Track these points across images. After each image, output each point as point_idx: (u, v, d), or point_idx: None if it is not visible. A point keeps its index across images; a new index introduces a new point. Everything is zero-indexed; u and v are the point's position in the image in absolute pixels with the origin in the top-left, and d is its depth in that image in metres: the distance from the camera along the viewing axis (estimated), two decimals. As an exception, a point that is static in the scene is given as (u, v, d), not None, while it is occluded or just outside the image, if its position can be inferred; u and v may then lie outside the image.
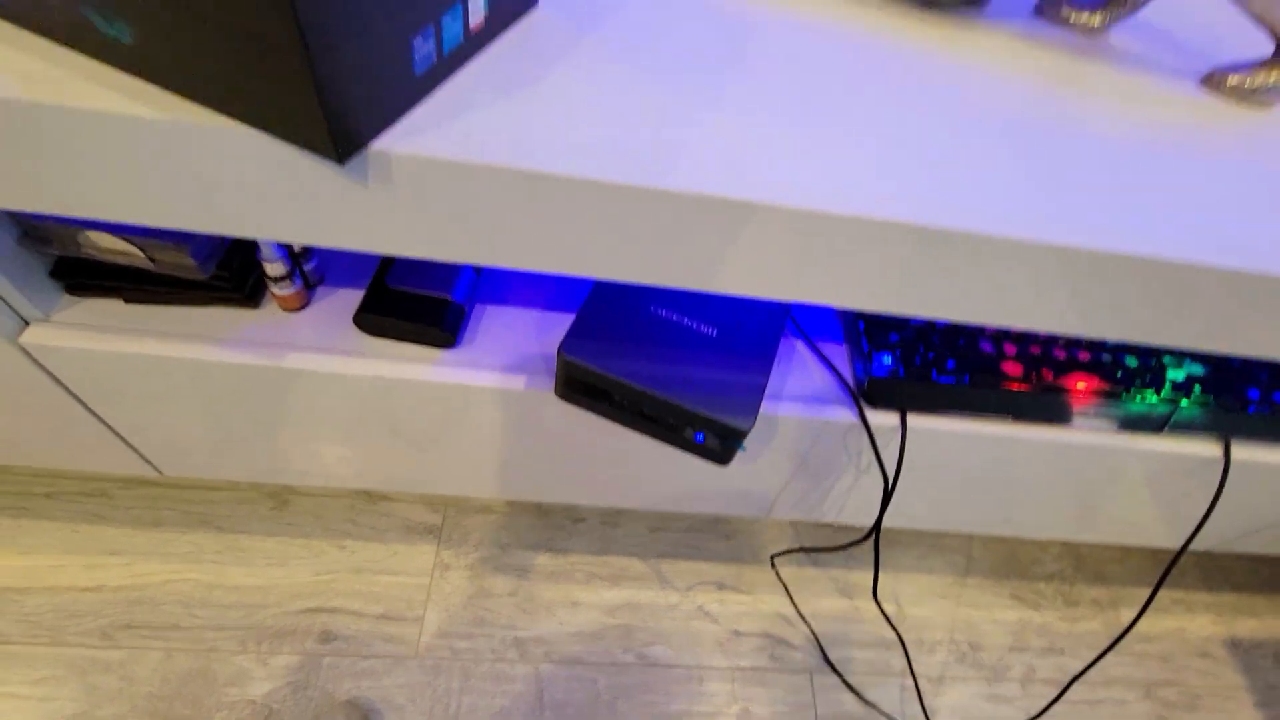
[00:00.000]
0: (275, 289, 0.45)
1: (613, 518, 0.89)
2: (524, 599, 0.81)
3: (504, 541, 0.85)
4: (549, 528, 0.87)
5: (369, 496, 0.85)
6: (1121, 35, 0.52)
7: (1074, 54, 0.48)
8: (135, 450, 0.57)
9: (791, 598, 0.83)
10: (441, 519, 0.85)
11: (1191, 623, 0.94)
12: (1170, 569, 0.55)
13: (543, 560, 0.84)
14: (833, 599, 0.87)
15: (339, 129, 0.27)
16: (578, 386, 0.45)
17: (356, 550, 0.81)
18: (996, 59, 0.45)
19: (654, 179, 0.31)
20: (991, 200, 0.35)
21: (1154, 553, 1.00)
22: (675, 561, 0.87)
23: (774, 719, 0.78)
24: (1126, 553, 0.99)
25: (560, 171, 0.31)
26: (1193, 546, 0.77)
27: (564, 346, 0.43)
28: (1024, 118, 0.41)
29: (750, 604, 0.85)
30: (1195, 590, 0.97)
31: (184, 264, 0.42)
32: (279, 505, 0.82)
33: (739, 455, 0.52)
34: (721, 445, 0.44)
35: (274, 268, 0.44)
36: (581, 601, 0.82)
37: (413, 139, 0.30)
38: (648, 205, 0.32)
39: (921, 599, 0.90)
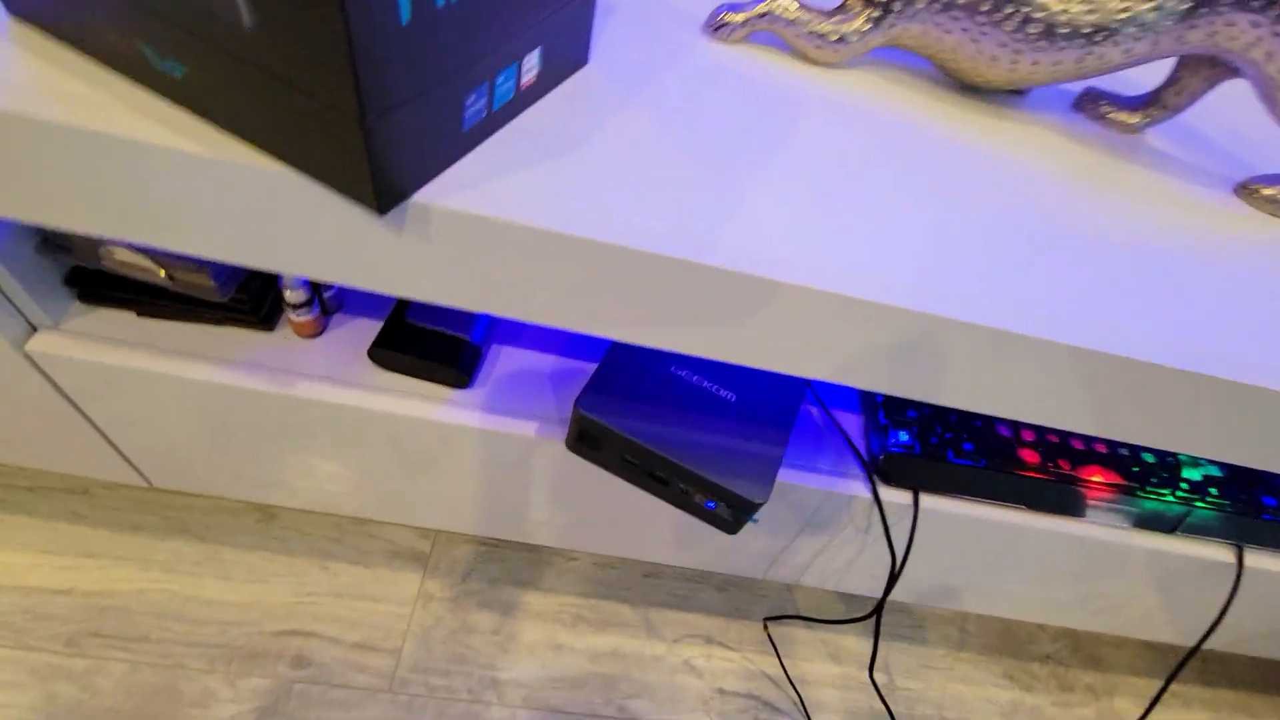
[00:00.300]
0: (293, 315, 0.44)
1: (605, 559, 0.87)
2: (507, 638, 0.79)
3: (492, 575, 0.83)
4: (540, 564, 0.85)
5: (356, 518, 0.83)
6: (1159, 137, 0.52)
7: (1109, 152, 0.48)
8: (127, 460, 0.55)
9: (780, 660, 0.81)
10: (430, 546, 0.83)
11: (1188, 717, 0.92)
12: (1177, 671, 0.54)
13: (530, 598, 0.82)
14: (823, 664, 0.85)
15: (383, 183, 0.27)
16: (590, 441, 0.44)
17: (339, 572, 0.79)
18: (1032, 151, 0.45)
19: (683, 251, 0.31)
20: (1012, 295, 0.35)
21: (1151, 641, 0.98)
22: (665, 611, 0.85)
23: (753, 787, 0.75)
24: (1124, 640, 0.97)
25: (591, 236, 0.30)
26: (1189, 641, 0.75)
27: (580, 401, 0.42)
28: (1053, 213, 0.40)
29: (738, 662, 0.83)
30: (1192, 684, 0.95)
31: (204, 285, 0.41)
32: (264, 518, 0.80)
33: (748, 526, 0.51)
34: (733, 515, 0.43)
35: (294, 295, 0.43)
36: (566, 645, 0.80)
37: (453, 194, 0.30)
38: (675, 275, 0.31)
39: (913, 671, 0.88)
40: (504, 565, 0.84)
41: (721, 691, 0.80)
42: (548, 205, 0.30)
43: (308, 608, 0.76)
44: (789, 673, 0.82)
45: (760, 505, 0.41)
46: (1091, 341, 0.34)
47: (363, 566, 0.80)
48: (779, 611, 0.88)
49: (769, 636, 0.80)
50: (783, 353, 0.35)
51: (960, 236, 0.37)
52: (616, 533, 0.60)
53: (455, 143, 0.30)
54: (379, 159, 0.25)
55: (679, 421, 0.43)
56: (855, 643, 0.87)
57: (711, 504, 0.43)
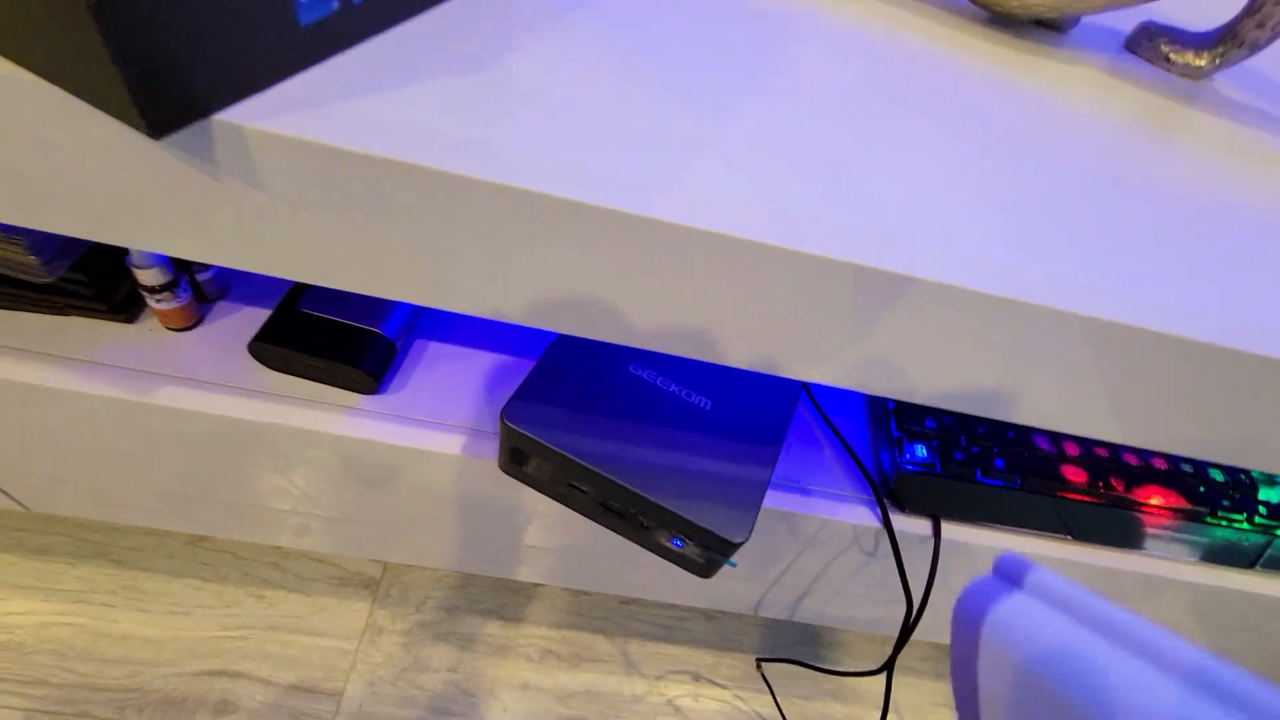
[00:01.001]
0: (153, 302, 0.35)
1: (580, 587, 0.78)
2: (465, 676, 0.69)
3: (451, 604, 0.73)
4: (505, 590, 0.75)
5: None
6: (1230, 83, 0.43)
7: (1169, 97, 0.39)
8: (-11, 480, 0.46)
9: (776, 701, 0.72)
10: (381, 571, 0.74)
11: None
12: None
13: (492, 630, 0.73)
14: (824, 703, 0.75)
15: (150, 88, 0.18)
16: (524, 461, 0.34)
17: (276, 602, 0.69)
18: (1077, 96, 0.36)
19: (621, 201, 0.22)
20: (1052, 265, 0.25)
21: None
22: (646, 643, 0.76)
23: None
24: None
25: (497, 179, 0.21)
26: None
27: (507, 411, 0.33)
28: (1110, 168, 0.31)
29: (729, 702, 0.73)
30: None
31: (21, 261, 0.32)
32: (194, 540, 0.71)
33: (725, 569, 0.42)
34: (704, 557, 0.33)
35: (147, 275, 0.34)
36: (532, 684, 0.70)
37: (287, 115, 0.21)
38: (609, 233, 0.22)
39: (924, 710, 0.78)
40: (463, 592, 0.74)
41: (710, 736, 0.71)
42: (436, 135, 0.21)
43: (237, 644, 0.66)
44: (785, 714, 0.72)
45: (739, 545, 0.32)
46: (1143, 319, 0.24)
47: (303, 595, 0.71)
48: (775, 642, 0.78)
49: (763, 676, 0.71)
50: (764, 346, 0.26)
51: (986, 194, 0.27)
52: (576, 568, 0.51)
53: (288, 44, 0.21)
54: (131, 49, 0.16)
55: (637, 436, 0.33)
56: (859, 682, 0.78)
57: (679, 542, 0.34)
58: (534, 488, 0.36)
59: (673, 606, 0.79)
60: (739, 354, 0.27)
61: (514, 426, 0.32)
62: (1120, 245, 0.27)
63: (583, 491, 0.34)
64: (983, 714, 0.15)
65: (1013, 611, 0.15)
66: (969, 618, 0.15)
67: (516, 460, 0.35)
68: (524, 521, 0.44)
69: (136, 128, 0.19)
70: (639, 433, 0.34)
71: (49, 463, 0.42)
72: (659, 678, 0.74)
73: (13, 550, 0.67)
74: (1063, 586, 0.15)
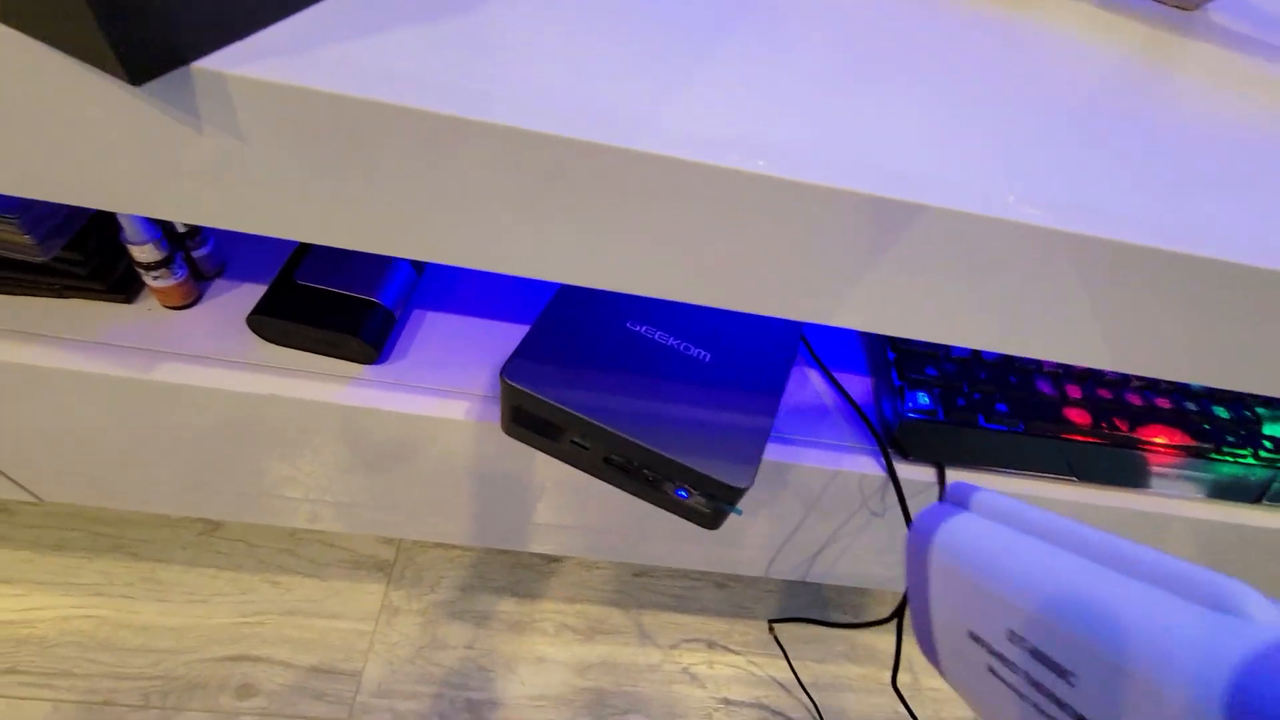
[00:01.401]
0: (150, 280, 0.35)
1: (590, 558, 0.79)
2: (482, 652, 0.70)
3: (465, 583, 0.74)
4: (518, 567, 0.76)
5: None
6: (1222, 14, 0.42)
7: (1162, 28, 0.39)
8: (3, 473, 0.47)
9: (790, 663, 0.72)
10: (395, 554, 0.75)
11: None
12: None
13: (507, 606, 0.73)
14: (839, 665, 0.76)
15: (129, 34, 0.18)
16: (527, 421, 0.35)
17: (292, 587, 0.70)
18: (1066, 28, 0.35)
19: (612, 135, 0.21)
20: (1049, 189, 0.25)
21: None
22: (660, 613, 0.76)
23: (766, 810, 0.67)
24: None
25: (494, 120, 0.21)
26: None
27: (507, 370, 0.33)
28: (1093, 96, 0.31)
29: (743, 667, 0.74)
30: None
31: (17, 241, 0.32)
32: (208, 530, 0.72)
33: (731, 517, 0.42)
34: (710, 506, 0.34)
35: (142, 252, 0.34)
36: (549, 658, 0.71)
37: (270, 60, 0.21)
38: (598, 168, 0.22)
39: (939, 668, 0.79)
40: (477, 570, 0.75)
41: (727, 701, 0.72)
42: (421, 77, 0.21)
43: (255, 629, 0.67)
44: (800, 678, 0.73)
45: (743, 491, 0.32)
46: (1139, 237, 0.24)
47: (319, 580, 0.71)
48: (786, 607, 0.79)
49: (775, 638, 0.71)
50: (763, 285, 0.26)
51: (981, 121, 0.27)
52: (585, 535, 0.51)
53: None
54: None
55: (636, 390, 0.33)
56: (875, 638, 0.78)
57: (683, 492, 0.34)
58: (538, 448, 0.36)
59: (684, 576, 0.79)
60: (735, 295, 0.27)
61: (514, 384, 0.33)
62: (1112, 167, 0.27)
63: (585, 447, 0.34)
64: (935, 632, 0.15)
65: (957, 528, 0.15)
66: (919, 540, 0.16)
67: (519, 420, 0.35)
68: (532, 489, 0.44)
69: (116, 75, 0.19)
70: (639, 386, 0.34)
71: (56, 450, 0.43)
72: (673, 647, 0.74)
73: (30, 547, 0.68)
74: (1004, 502, 0.15)
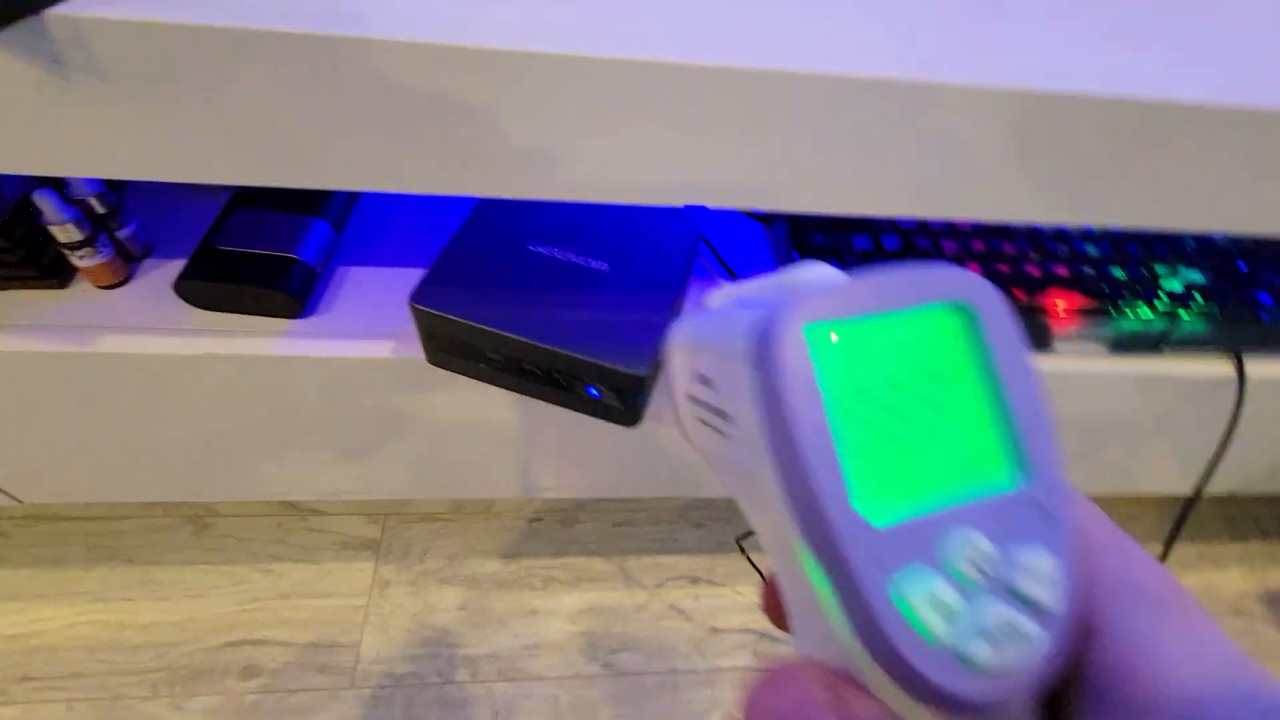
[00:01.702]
0: (77, 260, 0.38)
1: (571, 515, 0.81)
2: (474, 613, 0.73)
3: (451, 551, 0.77)
4: (501, 531, 0.79)
5: (299, 512, 0.77)
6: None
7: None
8: (-22, 476, 0.49)
9: (758, 569, 0.75)
10: (381, 531, 0.77)
11: (1220, 578, 0.85)
12: (1186, 515, 0.47)
13: (494, 568, 0.76)
14: (819, 584, 0.79)
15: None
16: (442, 344, 0.37)
17: (285, 574, 0.73)
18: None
19: (471, 35, 0.24)
20: (958, 48, 0.27)
21: (1170, 503, 0.91)
22: (643, 558, 0.79)
23: (760, 724, 0.69)
24: (1140, 506, 0.90)
25: (338, 32, 0.23)
26: (1213, 489, 0.68)
27: (415, 295, 0.35)
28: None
29: (728, 597, 0.77)
30: (1221, 542, 0.88)
31: (-57, 233, 0.34)
32: (198, 530, 0.75)
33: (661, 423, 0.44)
34: (620, 399, 0.36)
35: (64, 232, 0.36)
36: (539, 610, 0.74)
37: (121, 2, 0.23)
38: (463, 71, 0.24)
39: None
40: (462, 539, 0.78)
41: (714, 630, 0.75)
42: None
43: (253, 615, 0.70)
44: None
45: (642, 379, 0.34)
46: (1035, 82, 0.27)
47: (310, 563, 0.74)
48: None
49: (750, 560, 0.74)
50: (662, 176, 0.28)
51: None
52: (539, 469, 0.54)
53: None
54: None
55: (539, 302, 0.36)
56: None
57: (594, 391, 0.36)
58: (459, 372, 0.39)
59: (663, 521, 0.82)
60: (607, 187, 0.29)
61: (421, 308, 0.35)
62: (1019, 22, 0.29)
63: (498, 361, 0.37)
64: (679, 411, 0.16)
65: (686, 320, 0.16)
66: (668, 348, 0.17)
67: (436, 346, 0.37)
68: (470, 424, 0.47)
69: (-27, 24, 0.21)
70: (542, 299, 0.36)
71: (20, 444, 0.45)
72: (658, 586, 0.77)
73: (29, 564, 0.71)
74: (730, 290, 0.16)
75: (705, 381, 0.14)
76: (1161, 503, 0.90)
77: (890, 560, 0.11)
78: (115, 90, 0.24)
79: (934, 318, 0.13)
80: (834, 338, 0.12)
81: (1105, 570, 0.11)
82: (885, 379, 0.12)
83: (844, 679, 0.12)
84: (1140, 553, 0.12)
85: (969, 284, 0.13)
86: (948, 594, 0.11)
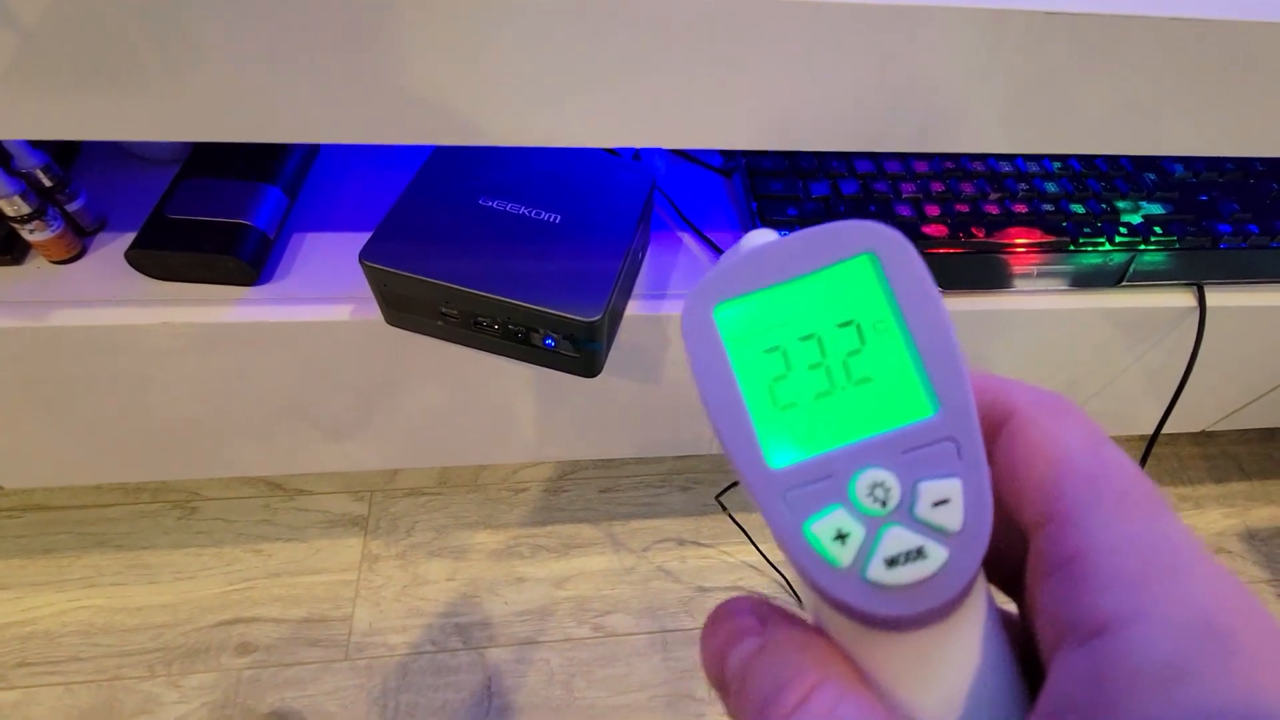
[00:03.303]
0: (29, 235, 0.38)
1: (556, 483, 0.82)
2: (464, 582, 0.74)
3: (438, 524, 0.78)
4: (486, 503, 0.80)
5: (285, 492, 0.78)
6: None
7: None
8: (-48, 461, 0.50)
9: (755, 543, 0.76)
10: (367, 508, 0.78)
11: (1201, 519, 0.86)
12: (1152, 444, 0.48)
13: (482, 538, 0.77)
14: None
15: None
16: (396, 301, 0.37)
17: (274, 553, 0.74)
18: None
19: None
20: None
21: (1141, 441, 0.92)
22: (628, 522, 0.80)
23: (749, 677, 0.71)
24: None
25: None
26: (1186, 427, 0.69)
27: (365, 252, 0.35)
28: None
29: (715, 557, 0.78)
30: (1200, 484, 0.89)
31: (-116, 208, 0.34)
32: (186, 514, 0.75)
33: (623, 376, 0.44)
34: (575, 347, 0.36)
35: (10, 206, 0.36)
36: (528, 577, 0.75)
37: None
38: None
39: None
40: (449, 511, 0.79)
41: (702, 589, 0.76)
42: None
43: (244, 594, 0.71)
44: (767, 555, 0.77)
45: (595, 324, 0.34)
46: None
47: (299, 542, 0.75)
48: (743, 495, 0.82)
49: (732, 519, 0.75)
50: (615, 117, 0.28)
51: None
52: (514, 434, 0.54)
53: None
54: None
55: (490, 254, 0.36)
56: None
57: (550, 340, 0.37)
58: (417, 330, 0.39)
59: (648, 486, 0.83)
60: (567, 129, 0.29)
61: (372, 264, 0.35)
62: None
63: (454, 316, 0.37)
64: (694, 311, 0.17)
65: None
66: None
67: (389, 303, 0.38)
68: (439, 387, 0.47)
69: None
70: (493, 251, 0.36)
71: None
72: (645, 550, 0.78)
73: (19, 555, 0.71)
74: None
75: None
76: (1133, 441, 0.91)
77: (802, 499, 0.12)
78: (38, 44, 0.24)
79: (840, 273, 0.14)
80: (743, 309, 0.14)
81: (1066, 462, 0.12)
82: (795, 335, 0.13)
83: (772, 608, 0.13)
84: (1107, 450, 0.12)
85: (872, 234, 0.14)
86: (849, 524, 0.12)
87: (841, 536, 0.12)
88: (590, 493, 0.82)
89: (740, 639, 0.13)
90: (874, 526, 0.12)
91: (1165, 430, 0.63)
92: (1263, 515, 0.87)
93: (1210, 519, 0.87)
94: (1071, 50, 0.28)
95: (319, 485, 0.79)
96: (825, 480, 0.13)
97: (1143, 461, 0.49)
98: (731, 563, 0.78)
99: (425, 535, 0.77)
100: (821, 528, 0.12)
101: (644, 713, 0.68)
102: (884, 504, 0.12)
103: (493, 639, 0.71)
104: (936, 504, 0.12)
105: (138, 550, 0.73)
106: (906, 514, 0.12)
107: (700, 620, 0.73)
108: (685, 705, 0.69)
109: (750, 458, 0.13)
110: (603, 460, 0.83)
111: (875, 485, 0.12)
